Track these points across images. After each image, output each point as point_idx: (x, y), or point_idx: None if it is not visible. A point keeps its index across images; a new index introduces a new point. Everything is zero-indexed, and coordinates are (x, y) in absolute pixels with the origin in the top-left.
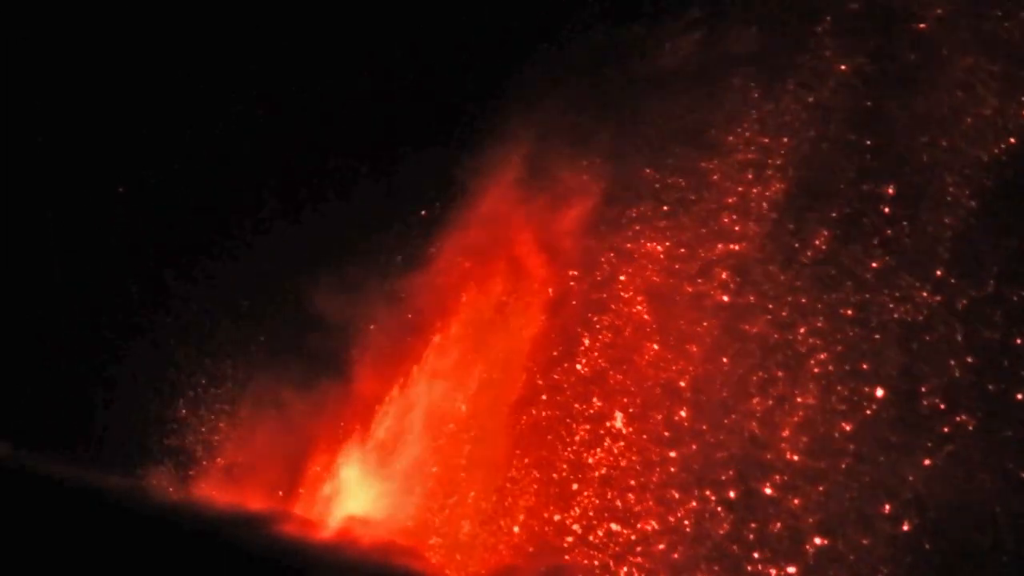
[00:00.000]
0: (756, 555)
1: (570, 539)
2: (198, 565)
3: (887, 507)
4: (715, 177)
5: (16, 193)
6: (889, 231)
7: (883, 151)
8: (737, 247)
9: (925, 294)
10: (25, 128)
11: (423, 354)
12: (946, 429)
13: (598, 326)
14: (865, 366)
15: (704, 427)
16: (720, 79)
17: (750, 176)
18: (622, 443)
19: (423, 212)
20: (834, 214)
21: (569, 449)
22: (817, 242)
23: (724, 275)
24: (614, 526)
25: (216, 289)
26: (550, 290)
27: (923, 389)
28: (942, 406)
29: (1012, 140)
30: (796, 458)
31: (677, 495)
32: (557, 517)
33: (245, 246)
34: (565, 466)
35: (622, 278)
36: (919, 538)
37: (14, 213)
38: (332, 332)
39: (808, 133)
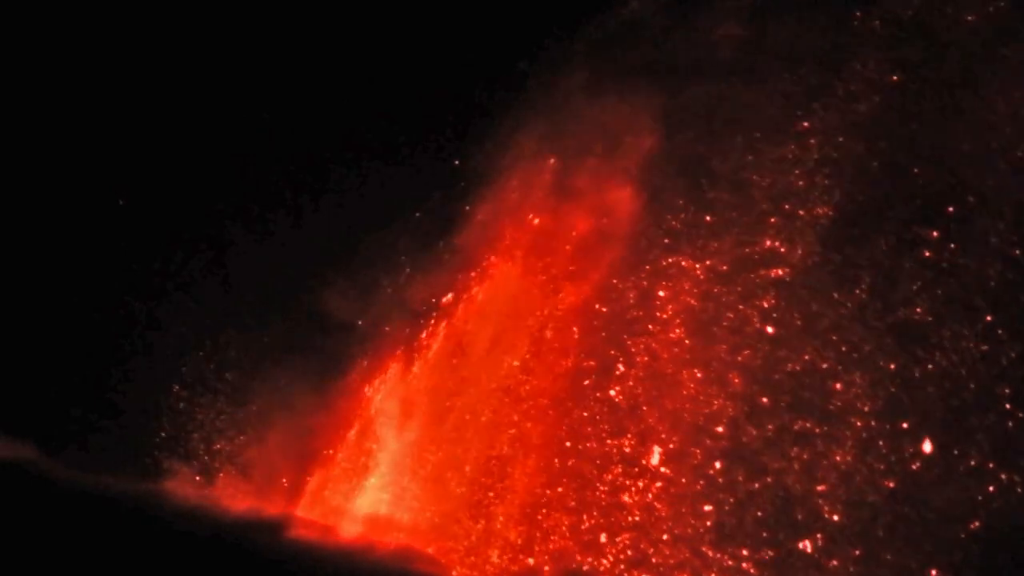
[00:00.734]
0: None
1: None
2: (214, 571)
3: (933, 573)
4: (757, 193)
5: (28, 201)
6: (933, 274)
7: (930, 182)
8: (781, 273)
9: (971, 345)
10: (27, 134)
11: (444, 370)
12: (992, 488)
13: (634, 350)
14: (906, 424)
15: (740, 478)
16: (766, 81)
17: (795, 195)
18: (657, 487)
19: (435, 214)
20: (882, 246)
21: (601, 490)
22: (863, 282)
23: (766, 304)
24: None
25: (227, 292)
26: (581, 306)
27: (968, 446)
28: (990, 464)
29: None
30: (835, 517)
31: (711, 552)
32: (587, 567)
33: (255, 246)
34: (595, 511)
35: (661, 294)
36: None
37: (27, 221)
38: (344, 335)
39: (856, 149)
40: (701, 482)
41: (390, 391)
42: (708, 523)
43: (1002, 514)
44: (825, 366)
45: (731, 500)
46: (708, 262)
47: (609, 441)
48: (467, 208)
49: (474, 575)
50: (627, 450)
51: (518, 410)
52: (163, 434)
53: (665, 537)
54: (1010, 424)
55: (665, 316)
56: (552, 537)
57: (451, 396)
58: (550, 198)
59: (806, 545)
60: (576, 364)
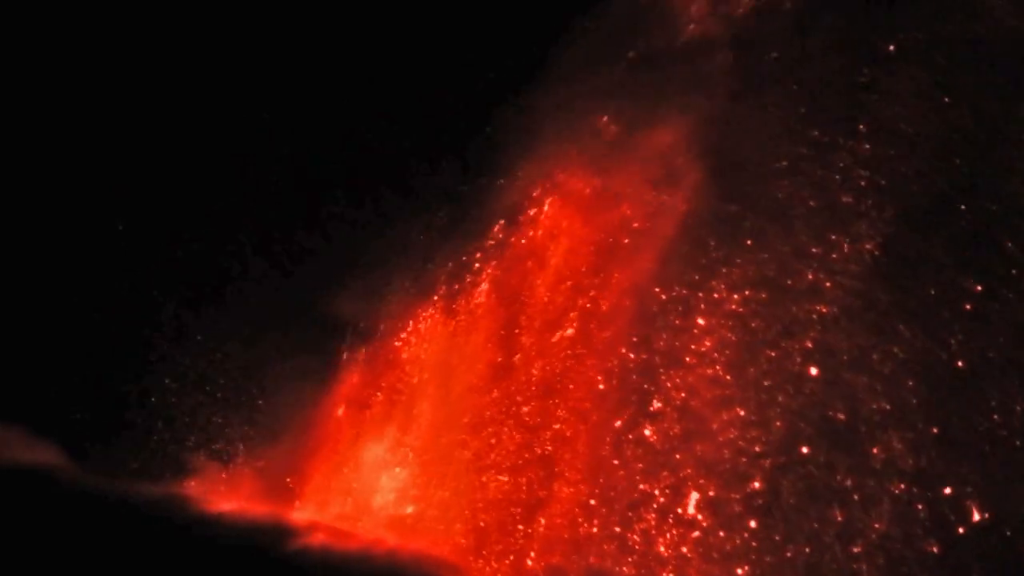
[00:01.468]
0: None
1: None
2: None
3: None
4: (798, 221)
5: (30, 204)
6: (975, 327)
7: (976, 230)
8: (824, 311)
9: (1019, 407)
10: (27, 135)
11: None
12: None
13: (669, 385)
14: (948, 489)
15: (778, 537)
16: (811, 101)
17: (839, 226)
18: (693, 539)
19: (438, 217)
20: (929, 290)
21: (634, 537)
22: (909, 328)
23: (809, 343)
24: None
25: (228, 293)
26: (615, 336)
27: (1015, 515)
28: None
29: None
30: None
31: None
32: None
33: (256, 246)
34: (631, 559)
35: (700, 321)
36: None
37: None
38: (351, 336)
39: (905, 178)
40: (737, 539)
41: (404, 402)
42: None
43: None
44: (867, 417)
45: (767, 560)
46: (747, 292)
47: (642, 486)
48: (472, 217)
49: None
50: (662, 499)
51: (545, 442)
52: (169, 437)
53: None
54: None
55: (703, 349)
56: None
57: (476, 427)
58: (566, 216)
59: None
60: (609, 399)
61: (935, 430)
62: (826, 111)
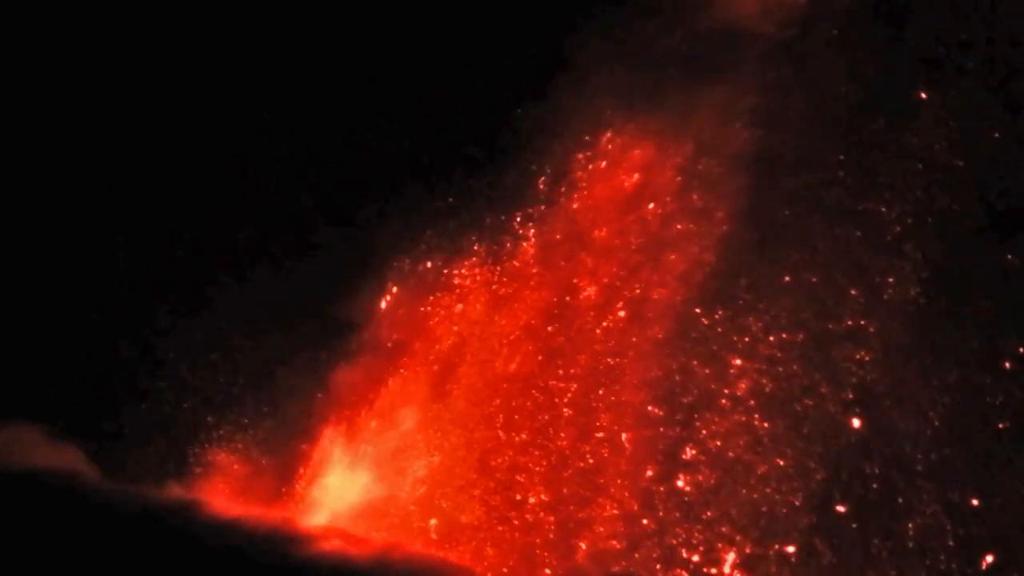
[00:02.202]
0: None
1: None
2: None
3: None
4: (840, 261)
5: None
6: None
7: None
8: (867, 357)
9: None
10: (27, 135)
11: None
12: None
13: (705, 432)
14: (991, 557)
15: None
16: (854, 132)
17: (883, 267)
18: None
19: (440, 218)
20: (975, 339)
21: None
22: (952, 384)
23: (850, 394)
24: None
25: (229, 294)
26: (643, 371)
27: None
28: None
29: None
30: None
31: None
32: None
33: (256, 246)
34: None
35: (737, 362)
36: None
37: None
38: (360, 338)
39: (949, 218)
40: None
41: (420, 402)
42: None
43: None
44: (909, 471)
45: None
46: (784, 335)
47: (674, 540)
48: (473, 220)
49: None
50: (695, 558)
51: (571, 492)
52: (169, 440)
53: None
54: None
55: (739, 393)
56: None
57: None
58: (573, 222)
59: None
60: (641, 443)
61: (976, 490)
62: (872, 137)
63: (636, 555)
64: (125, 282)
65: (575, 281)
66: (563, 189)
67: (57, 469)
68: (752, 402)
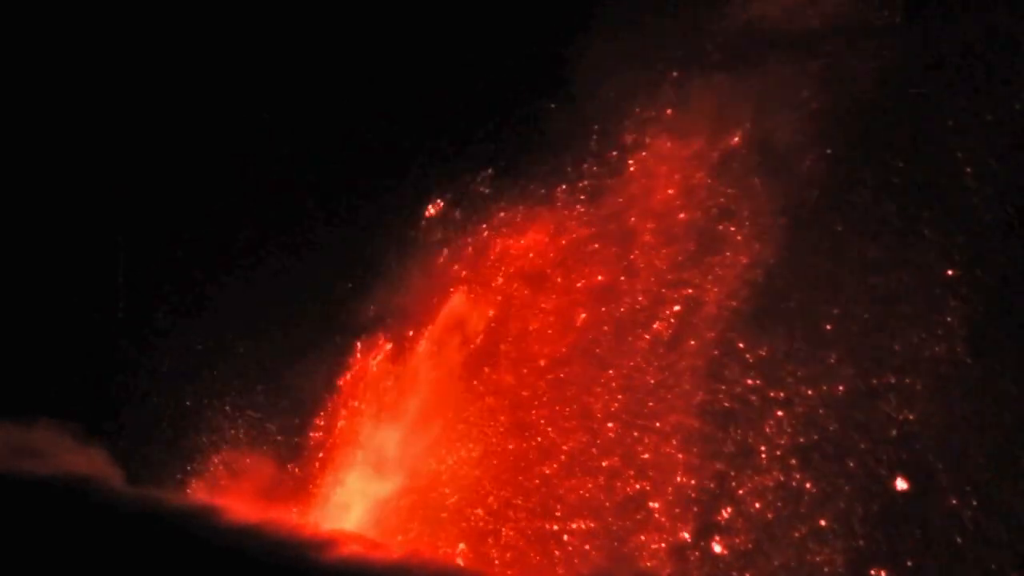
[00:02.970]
0: None
1: None
2: None
3: None
4: (872, 318)
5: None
6: None
7: None
8: (911, 417)
9: None
10: (28, 136)
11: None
12: None
13: (741, 492)
14: None
15: None
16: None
17: (921, 325)
18: None
19: (441, 219)
20: (1014, 416)
21: None
22: (997, 462)
23: (893, 453)
24: None
25: (230, 295)
26: (676, 426)
27: None
28: None
29: None
30: None
31: None
32: None
33: (256, 247)
34: None
35: (778, 413)
36: None
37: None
38: (366, 341)
39: (1000, 264)
40: None
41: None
42: None
43: None
44: (951, 544)
45: None
46: (824, 387)
47: None
48: (473, 220)
49: None
50: None
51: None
52: (170, 442)
53: None
54: None
55: (777, 452)
56: None
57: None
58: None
59: None
60: (674, 499)
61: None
62: (923, 176)
63: None
64: (125, 282)
65: (581, 290)
66: (567, 191)
67: (81, 473)
68: (792, 460)
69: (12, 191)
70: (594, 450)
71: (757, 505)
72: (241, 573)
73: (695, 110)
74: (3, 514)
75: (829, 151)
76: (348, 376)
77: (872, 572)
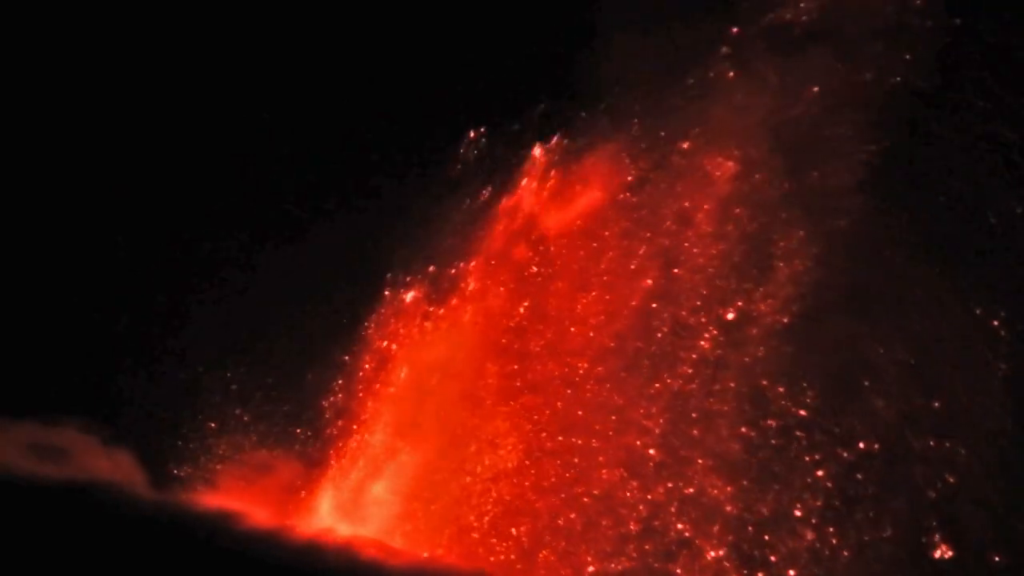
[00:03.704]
0: None
1: None
2: None
3: None
4: (925, 359)
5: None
6: None
7: None
8: (950, 479)
9: None
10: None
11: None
12: None
13: (775, 558)
14: None
15: None
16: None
17: (969, 382)
18: None
19: (443, 220)
20: None
21: None
22: None
23: (932, 520)
24: None
25: (230, 295)
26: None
27: None
28: None
29: None
30: None
31: None
32: None
33: (256, 248)
34: None
35: (818, 473)
36: None
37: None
38: (370, 341)
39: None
40: None
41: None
42: None
43: None
44: None
45: None
46: (861, 445)
47: None
48: (470, 219)
49: None
50: None
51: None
52: (172, 444)
53: None
54: None
55: (813, 519)
56: None
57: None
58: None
59: None
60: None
61: None
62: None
63: None
64: (124, 281)
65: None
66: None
67: (102, 478)
68: (828, 528)
69: (11, 192)
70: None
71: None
72: None
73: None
74: (20, 518)
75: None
76: (353, 376)
77: None
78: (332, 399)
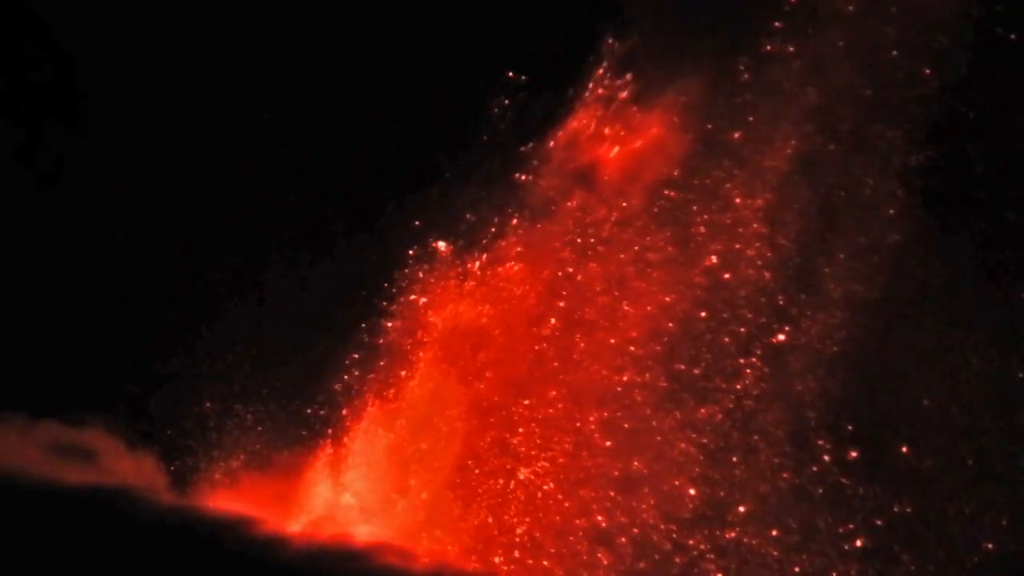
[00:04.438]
0: None
1: None
2: None
3: None
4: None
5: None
6: None
7: None
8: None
9: None
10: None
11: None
12: None
13: None
14: None
15: None
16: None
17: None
18: None
19: (443, 221)
20: None
21: None
22: None
23: None
24: None
25: (231, 295)
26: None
27: None
28: None
29: None
30: None
31: None
32: None
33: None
34: None
35: (847, 546)
36: None
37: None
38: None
39: None
40: None
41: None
42: None
43: None
44: None
45: None
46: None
47: None
48: (472, 222)
49: None
50: None
51: None
52: (169, 446)
53: None
54: None
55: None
56: None
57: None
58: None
59: None
60: None
61: None
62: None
63: None
64: (123, 281)
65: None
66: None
67: (122, 484)
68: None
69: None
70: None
71: None
72: None
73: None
74: (36, 524)
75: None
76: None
77: None
78: (356, 400)
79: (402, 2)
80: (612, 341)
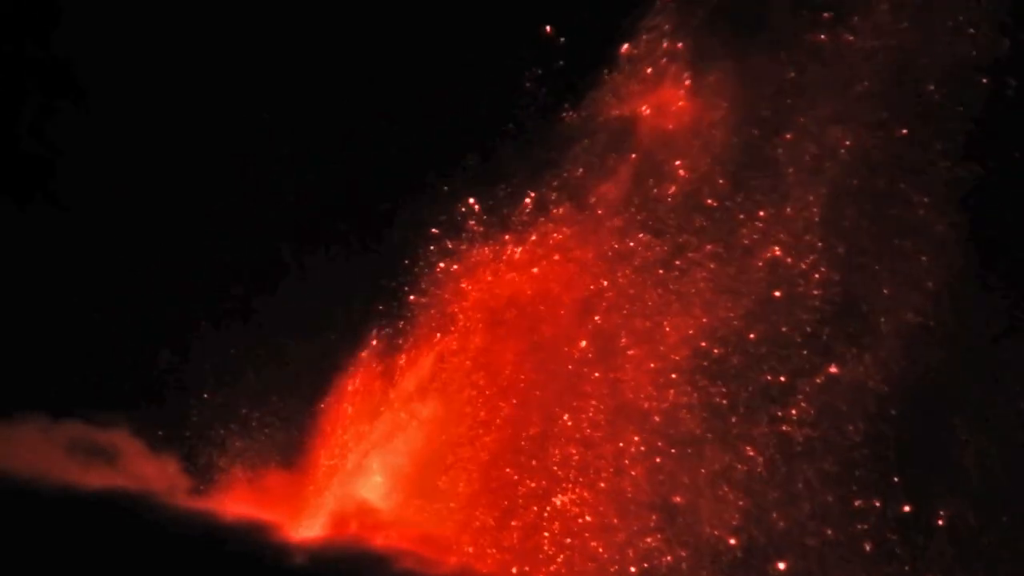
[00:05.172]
0: None
1: None
2: None
3: None
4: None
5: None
6: None
7: None
8: None
9: None
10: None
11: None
12: None
13: None
14: None
15: None
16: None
17: None
18: None
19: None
20: None
21: None
22: None
23: None
24: None
25: (229, 295)
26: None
27: None
28: None
29: None
30: None
31: None
32: None
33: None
34: None
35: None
36: None
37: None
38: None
39: None
40: None
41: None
42: None
43: None
44: None
45: None
46: None
47: None
48: (472, 221)
49: None
50: None
51: None
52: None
53: None
54: None
55: None
56: None
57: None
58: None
59: None
60: None
61: None
62: None
63: None
64: (123, 281)
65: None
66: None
67: (142, 487)
68: None
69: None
70: None
71: None
72: None
73: None
74: (49, 527)
75: None
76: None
77: None
78: (376, 400)
79: (402, 2)
80: (652, 365)
